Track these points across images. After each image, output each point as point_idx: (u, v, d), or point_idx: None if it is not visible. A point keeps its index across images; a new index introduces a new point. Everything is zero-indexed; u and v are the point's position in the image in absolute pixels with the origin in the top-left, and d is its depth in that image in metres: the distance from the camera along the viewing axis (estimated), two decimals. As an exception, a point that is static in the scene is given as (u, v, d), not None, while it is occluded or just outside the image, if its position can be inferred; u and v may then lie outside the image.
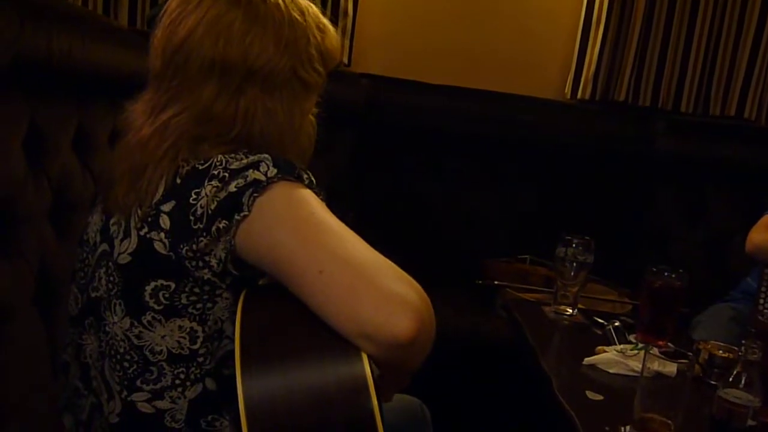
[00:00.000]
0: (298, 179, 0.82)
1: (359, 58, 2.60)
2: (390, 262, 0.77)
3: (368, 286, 0.73)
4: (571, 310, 1.63)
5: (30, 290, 1.14)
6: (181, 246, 0.81)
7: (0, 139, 1.10)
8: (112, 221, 0.88)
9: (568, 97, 2.70)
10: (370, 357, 0.74)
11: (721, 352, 1.31)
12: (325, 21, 0.94)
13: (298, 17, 0.89)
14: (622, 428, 1.05)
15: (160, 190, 0.83)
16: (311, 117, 0.97)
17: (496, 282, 2.00)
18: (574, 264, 1.61)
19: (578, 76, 2.66)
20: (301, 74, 0.90)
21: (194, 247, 0.80)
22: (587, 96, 2.65)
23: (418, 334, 0.72)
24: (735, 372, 1.07)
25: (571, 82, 2.68)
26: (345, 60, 2.53)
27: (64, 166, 1.29)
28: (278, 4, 0.88)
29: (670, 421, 1.02)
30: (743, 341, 1.09)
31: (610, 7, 2.57)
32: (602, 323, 1.53)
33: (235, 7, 0.86)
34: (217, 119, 0.86)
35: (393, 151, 2.57)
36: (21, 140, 1.16)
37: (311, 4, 0.94)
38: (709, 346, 1.33)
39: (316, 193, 0.82)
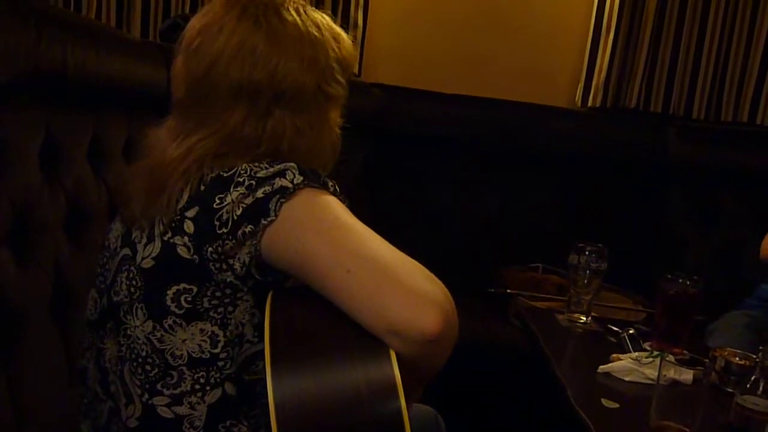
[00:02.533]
0: (324, 186, 0.84)
1: (370, 68, 2.61)
2: (415, 261, 0.79)
3: (396, 283, 0.75)
4: (584, 318, 1.62)
5: (46, 299, 1.15)
6: (206, 248, 0.82)
7: (17, 149, 1.12)
8: (134, 227, 0.89)
9: (579, 104, 2.69)
10: (397, 354, 0.75)
11: (737, 359, 1.29)
12: (338, 30, 0.96)
13: (316, 33, 0.91)
14: (639, 436, 1.04)
15: (185, 197, 0.84)
16: (336, 129, 0.98)
17: (508, 290, 1.99)
18: (588, 271, 1.60)
19: (589, 84, 2.66)
20: (325, 88, 0.92)
21: (219, 249, 0.81)
22: (598, 103, 2.64)
23: (444, 329, 0.74)
24: (753, 378, 1.06)
25: (582, 90, 2.67)
26: (355, 70, 2.54)
27: (79, 176, 1.30)
28: (296, 23, 0.90)
29: (687, 429, 1.01)
30: (761, 347, 1.08)
31: (620, 14, 2.57)
32: (616, 331, 1.52)
33: (256, 31, 0.88)
34: (245, 140, 0.88)
35: (405, 160, 2.57)
36: (37, 150, 1.17)
37: (323, 15, 0.95)
38: (726, 353, 1.32)
39: (341, 201, 0.84)
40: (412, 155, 2.57)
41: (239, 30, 0.88)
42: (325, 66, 0.91)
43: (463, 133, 2.56)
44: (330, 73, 0.92)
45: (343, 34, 0.96)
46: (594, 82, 2.64)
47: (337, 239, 0.79)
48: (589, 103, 2.66)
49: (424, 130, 2.54)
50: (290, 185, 0.81)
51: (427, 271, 0.78)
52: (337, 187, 0.85)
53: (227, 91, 0.87)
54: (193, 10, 2.45)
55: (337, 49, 0.93)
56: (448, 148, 2.57)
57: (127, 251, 0.89)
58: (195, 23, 0.91)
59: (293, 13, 0.90)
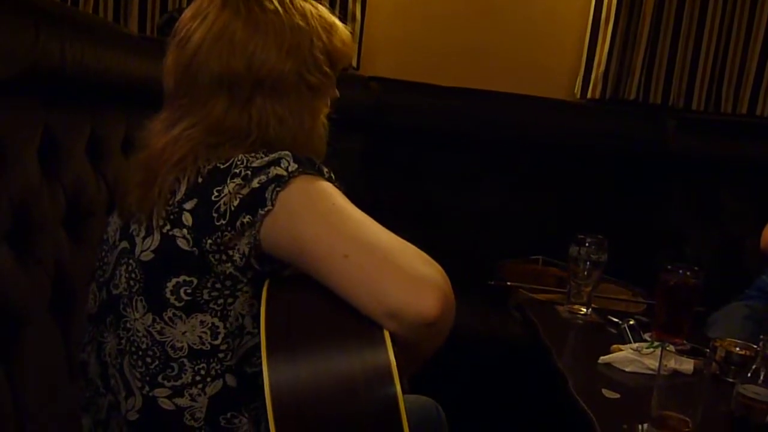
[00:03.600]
0: (319, 173, 0.84)
1: (368, 61, 2.61)
2: (412, 245, 0.79)
3: (394, 267, 0.76)
4: (585, 310, 1.62)
5: (46, 296, 1.15)
6: (205, 240, 0.82)
7: (15, 146, 1.11)
8: (132, 220, 0.89)
9: (578, 96, 2.69)
10: (394, 337, 0.75)
11: (738, 349, 1.30)
12: (333, 20, 0.95)
13: (300, 22, 0.91)
14: (640, 426, 1.04)
15: (182, 189, 0.85)
16: (323, 118, 0.98)
17: (508, 283, 1.99)
18: (588, 263, 1.60)
19: (588, 76, 2.65)
20: (308, 78, 0.92)
21: (218, 241, 0.82)
22: (597, 95, 2.64)
23: (442, 312, 0.75)
24: (754, 368, 1.06)
25: (581, 82, 2.67)
26: (353, 63, 2.54)
27: (78, 172, 1.30)
28: (277, 11, 0.90)
29: (687, 419, 1.02)
30: (761, 336, 1.08)
31: (619, 5, 2.56)
32: (617, 322, 1.52)
33: (235, 19, 0.88)
34: (231, 129, 0.88)
35: (403, 153, 2.57)
36: (36, 148, 1.17)
37: (317, 5, 0.95)
38: (726, 343, 1.32)
39: (336, 187, 0.84)
40: (410, 148, 2.57)
41: (220, 19, 0.88)
42: (308, 55, 0.91)
43: (462, 126, 2.56)
44: (313, 62, 0.91)
45: (339, 24, 0.96)
46: (593, 74, 2.64)
47: (333, 225, 0.79)
48: (588, 95, 2.66)
49: (422, 123, 2.54)
50: (285, 173, 0.81)
51: (424, 255, 0.79)
52: (332, 174, 0.86)
53: (209, 79, 0.88)
54: (190, 4, 2.45)
55: (326, 40, 0.93)
56: (447, 141, 2.57)
57: (125, 244, 0.89)
58: (186, 14, 0.92)
59: (276, 2, 0.90)
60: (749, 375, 1.06)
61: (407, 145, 2.56)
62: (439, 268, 0.78)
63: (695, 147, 2.56)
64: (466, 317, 2.04)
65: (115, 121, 1.46)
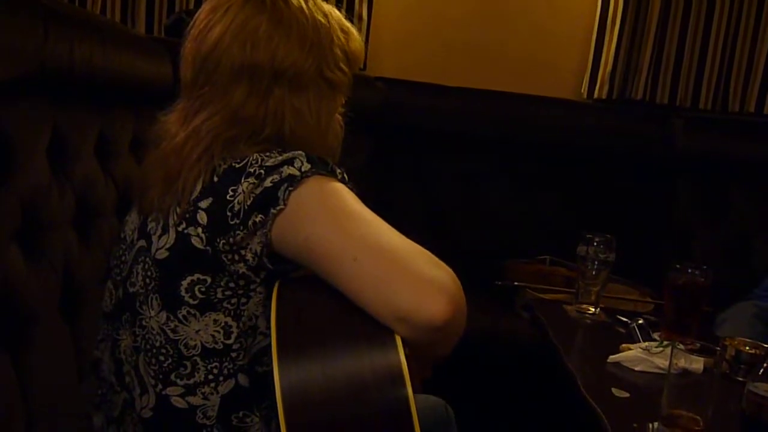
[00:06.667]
0: (332, 173, 0.84)
1: (375, 61, 2.61)
2: (422, 248, 0.79)
3: (403, 270, 0.75)
4: (593, 309, 1.62)
5: (55, 295, 1.15)
6: (218, 240, 0.82)
7: (24, 146, 1.12)
8: (149, 218, 0.90)
9: (585, 96, 2.69)
10: (404, 340, 0.75)
11: (747, 348, 1.29)
12: (348, 24, 0.97)
13: (322, 19, 0.92)
14: (650, 425, 1.03)
15: (198, 188, 0.85)
16: (338, 116, 0.99)
17: (516, 283, 1.99)
18: (596, 263, 1.60)
19: (594, 76, 2.65)
20: (327, 74, 0.93)
21: (231, 240, 0.82)
22: (604, 95, 2.63)
23: (452, 316, 0.74)
24: (765, 366, 1.05)
25: (588, 82, 2.66)
26: (360, 64, 2.54)
27: (87, 172, 1.30)
28: (301, 7, 0.91)
29: (698, 417, 1.01)
30: (771, 335, 1.07)
31: (626, 5, 2.56)
32: (626, 321, 1.52)
33: (259, 12, 0.89)
34: (248, 120, 0.89)
35: (410, 153, 2.57)
36: (45, 147, 1.17)
37: (334, 8, 0.97)
38: (736, 342, 1.32)
39: (349, 188, 0.84)
40: (417, 148, 2.57)
41: (244, 11, 0.89)
42: (329, 51, 0.92)
43: (468, 126, 2.55)
44: (333, 59, 0.93)
45: (354, 30, 0.97)
46: (600, 74, 2.63)
47: (344, 227, 0.79)
48: (596, 95, 2.65)
49: (429, 124, 2.54)
50: (298, 173, 0.82)
51: (434, 258, 0.78)
52: (345, 174, 0.86)
53: (230, 70, 0.88)
54: (198, 5, 2.46)
55: (343, 40, 0.95)
56: (453, 141, 2.57)
57: (143, 243, 0.90)
58: (204, 7, 0.93)
59: None
60: (759, 373, 1.05)
61: (414, 145, 2.56)
62: (450, 271, 0.78)
63: (703, 146, 2.55)
64: (473, 317, 2.03)
65: (123, 121, 1.46)
